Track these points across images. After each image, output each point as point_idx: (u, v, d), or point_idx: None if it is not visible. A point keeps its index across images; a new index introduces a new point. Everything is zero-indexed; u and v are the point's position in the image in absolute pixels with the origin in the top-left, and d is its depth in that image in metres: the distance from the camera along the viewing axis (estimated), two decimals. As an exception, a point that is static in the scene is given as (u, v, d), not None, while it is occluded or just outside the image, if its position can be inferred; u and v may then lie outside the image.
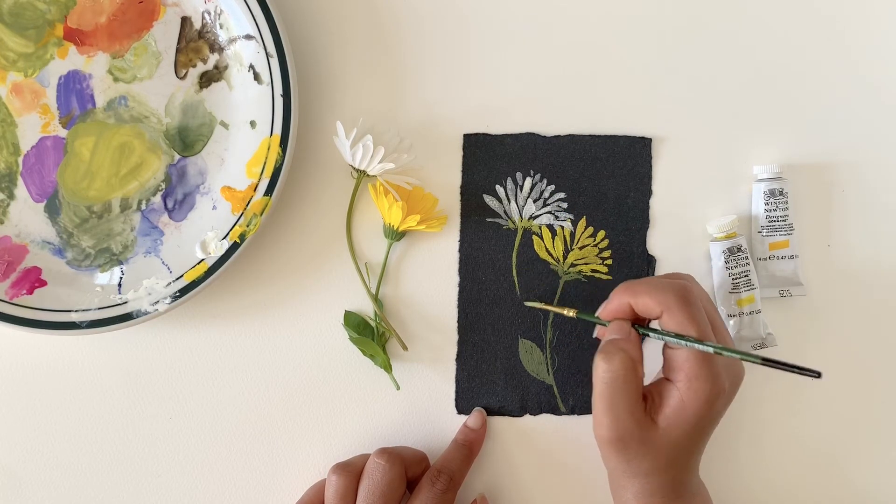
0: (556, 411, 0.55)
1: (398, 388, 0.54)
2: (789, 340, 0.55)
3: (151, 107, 0.53)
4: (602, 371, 0.45)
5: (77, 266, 0.52)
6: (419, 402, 0.54)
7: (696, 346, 0.44)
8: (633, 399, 0.45)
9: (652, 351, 0.50)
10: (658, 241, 0.55)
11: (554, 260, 0.55)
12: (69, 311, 0.51)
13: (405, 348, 0.54)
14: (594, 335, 0.52)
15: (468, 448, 0.52)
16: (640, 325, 0.47)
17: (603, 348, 0.46)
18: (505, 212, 0.55)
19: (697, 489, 0.48)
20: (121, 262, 0.52)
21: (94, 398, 0.54)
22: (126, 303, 0.51)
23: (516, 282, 0.54)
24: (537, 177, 0.55)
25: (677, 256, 0.55)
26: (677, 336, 0.44)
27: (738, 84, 0.55)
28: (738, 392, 0.54)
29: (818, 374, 0.41)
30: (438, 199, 0.54)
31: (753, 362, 0.43)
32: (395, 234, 0.53)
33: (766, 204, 0.53)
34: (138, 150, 0.53)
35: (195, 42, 0.53)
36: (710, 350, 0.44)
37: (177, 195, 0.53)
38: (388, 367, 0.54)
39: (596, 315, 0.49)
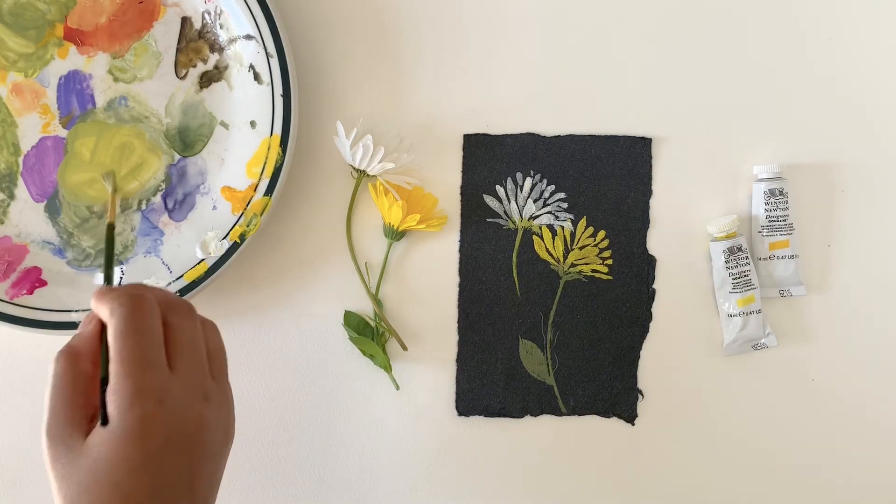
0: (556, 412, 0.54)
1: (398, 388, 0.54)
2: (789, 340, 0.55)
3: (151, 107, 0.53)
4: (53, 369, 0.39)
5: (77, 266, 0.52)
6: (419, 402, 0.54)
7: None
8: (70, 394, 0.38)
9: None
10: (658, 241, 0.55)
11: (554, 260, 0.54)
12: (69, 311, 0.51)
13: (405, 348, 0.54)
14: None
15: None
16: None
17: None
18: (505, 212, 0.55)
19: None
20: (121, 262, 0.52)
21: (94, 398, 0.54)
22: (126, 303, 0.51)
23: (516, 282, 0.54)
24: (537, 177, 0.55)
25: (677, 256, 0.55)
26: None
27: (738, 84, 0.55)
28: (733, 393, 0.54)
29: None
30: (438, 199, 0.54)
31: None
32: (395, 234, 0.53)
33: (766, 204, 0.53)
34: (138, 150, 0.53)
35: (195, 42, 0.53)
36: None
37: (177, 195, 0.53)
38: (387, 367, 0.53)
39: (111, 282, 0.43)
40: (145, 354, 0.38)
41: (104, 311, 0.39)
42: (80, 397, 0.39)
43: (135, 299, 0.39)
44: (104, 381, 0.39)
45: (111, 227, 0.43)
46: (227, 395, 0.42)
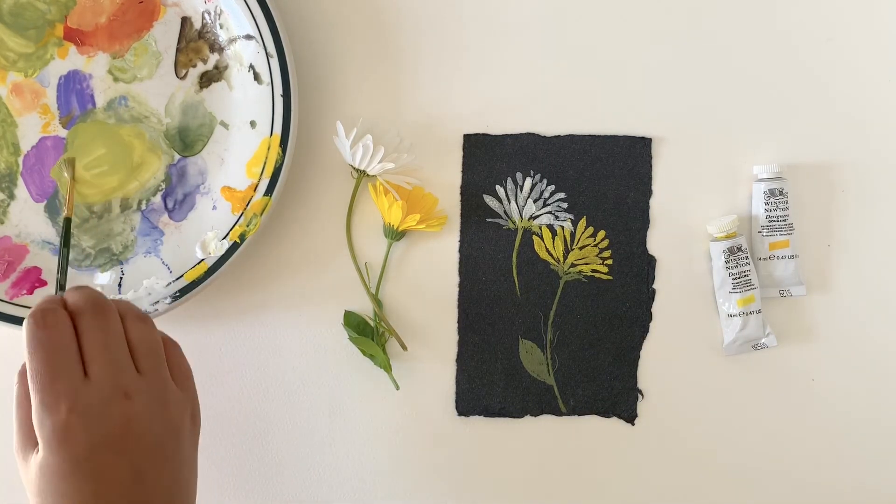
0: (556, 412, 0.54)
1: (398, 388, 0.54)
2: (789, 340, 0.55)
3: (151, 107, 0.53)
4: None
5: (77, 266, 0.52)
6: (419, 403, 0.54)
7: None
8: (24, 413, 0.40)
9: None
10: (658, 241, 0.55)
11: (554, 260, 0.55)
12: (69, 311, 0.51)
13: (405, 348, 0.54)
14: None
15: None
16: None
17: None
18: (505, 212, 0.55)
19: None
20: (121, 262, 0.52)
21: (94, 398, 0.54)
22: (126, 303, 0.51)
23: (516, 282, 0.54)
24: (537, 177, 0.55)
25: (677, 256, 0.55)
26: None
27: (738, 84, 0.55)
28: (733, 393, 0.54)
29: None
30: (438, 199, 0.54)
31: None
32: (395, 234, 0.53)
33: (766, 204, 0.53)
34: (138, 150, 0.53)
35: (195, 42, 0.53)
36: None
37: (177, 195, 0.53)
38: (387, 367, 0.53)
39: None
40: (52, 368, 0.39)
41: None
42: (30, 415, 0.40)
43: (35, 317, 0.40)
44: None
45: (67, 222, 0.42)
46: (159, 386, 0.42)
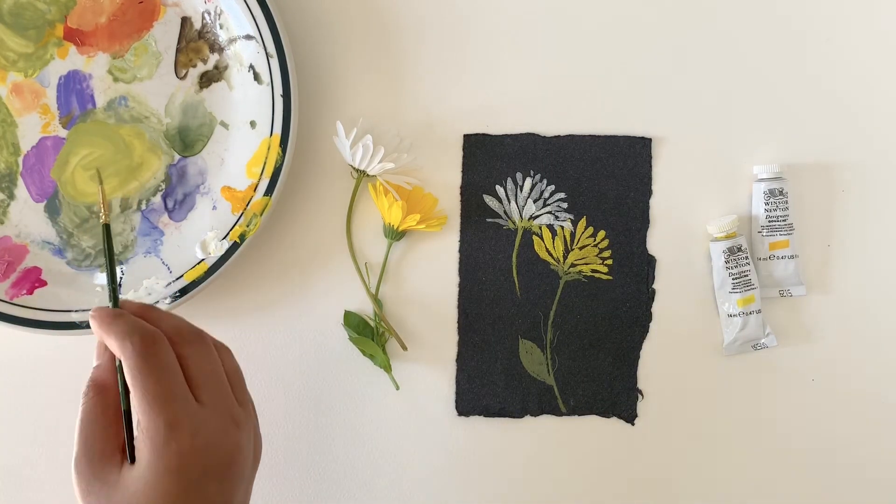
0: (556, 412, 0.54)
1: (398, 388, 0.54)
2: (789, 340, 0.55)
3: (151, 107, 0.53)
4: (82, 402, 0.40)
5: (77, 266, 0.52)
6: (419, 403, 0.54)
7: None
8: (98, 426, 0.39)
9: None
10: (658, 241, 0.55)
11: (554, 260, 0.54)
12: (69, 311, 0.51)
13: (405, 348, 0.54)
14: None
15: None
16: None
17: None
18: (505, 212, 0.55)
19: None
20: (121, 262, 0.52)
21: (94, 398, 0.54)
22: (126, 303, 0.51)
23: (516, 282, 0.54)
24: (537, 177, 0.55)
25: (677, 256, 0.55)
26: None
27: (738, 84, 0.55)
28: (733, 393, 0.54)
29: None
30: (438, 199, 0.54)
31: None
32: (395, 234, 0.53)
33: (766, 204, 0.53)
34: (138, 150, 0.53)
35: (195, 42, 0.53)
36: None
37: (177, 195, 0.53)
38: (387, 367, 0.53)
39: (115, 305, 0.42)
40: (170, 390, 0.38)
41: (113, 345, 0.39)
42: (111, 429, 0.39)
43: (145, 338, 0.39)
44: (126, 415, 0.39)
45: (107, 228, 0.42)
46: (252, 417, 0.43)
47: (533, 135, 0.55)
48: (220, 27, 0.52)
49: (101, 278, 0.52)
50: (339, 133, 0.52)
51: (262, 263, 0.54)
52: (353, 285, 0.54)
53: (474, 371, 0.54)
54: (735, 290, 0.53)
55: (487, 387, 0.54)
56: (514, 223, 0.55)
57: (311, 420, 0.54)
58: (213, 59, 0.53)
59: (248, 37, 0.51)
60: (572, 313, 0.54)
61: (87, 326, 0.50)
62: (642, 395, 0.55)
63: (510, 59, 0.55)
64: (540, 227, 0.54)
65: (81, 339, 0.54)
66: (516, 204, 0.55)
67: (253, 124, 0.52)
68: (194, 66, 0.53)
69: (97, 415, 0.40)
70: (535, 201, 0.54)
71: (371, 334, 0.54)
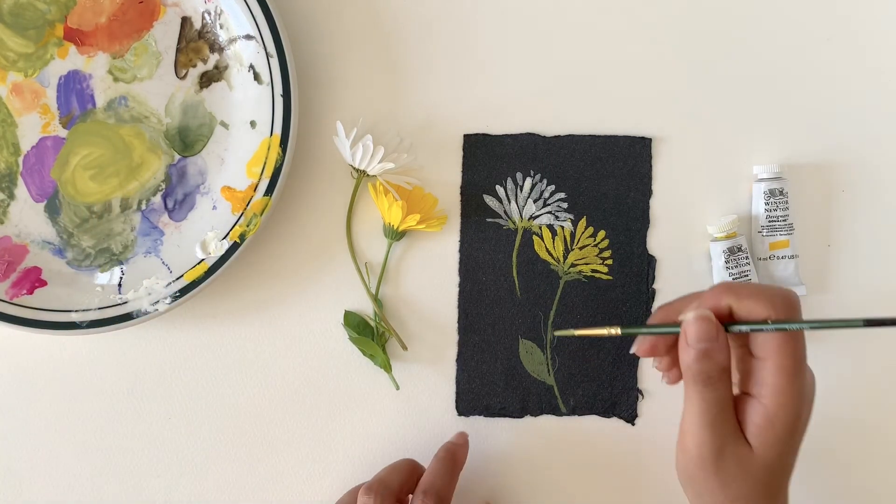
0: (556, 412, 0.54)
1: (398, 388, 0.54)
2: (789, 340, 0.55)
3: (151, 107, 0.53)
4: (703, 391, 0.41)
5: (77, 266, 0.52)
6: (419, 403, 0.54)
7: (796, 326, 0.40)
8: (732, 413, 0.41)
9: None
10: (658, 241, 0.55)
11: (554, 260, 0.55)
12: (69, 311, 0.51)
13: (405, 348, 0.54)
14: (635, 351, 0.45)
15: (452, 460, 0.50)
16: (729, 322, 0.42)
17: (700, 366, 0.41)
18: (505, 212, 0.55)
19: None
20: (121, 262, 0.52)
21: (94, 398, 0.54)
22: (126, 303, 0.51)
23: (516, 282, 0.54)
24: (537, 177, 0.55)
25: (677, 256, 0.55)
26: (776, 323, 0.40)
27: (738, 84, 0.55)
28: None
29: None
30: (438, 199, 0.54)
31: (856, 326, 0.41)
32: (395, 234, 0.53)
33: (766, 204, 0.53)
34: (138, 150, 0.53)
35: (195, 42, 0.53)
36: (812, 328, 0.40)
37: (177, 195, 0.53)
38: (387, 367, 0.54)
39: (654, 323, 0.44)
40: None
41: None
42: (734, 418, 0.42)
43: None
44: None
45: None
46: None
47: (533, 135, 0.55)
48: (220, 27, 0.52)
49: (101, 278, 0.52)
50: (339, 133, 0.52)
51: (262, 263, 0.54)
52: (353, 285, 0.54)
53: (474, 371, 0.54)
54: (735, 290, 0.53)
55: (487, 387, 0.54)
56: (514, 223, 0.55)
57: (311, 420, 0.54)
58: (213, 59, 0.53)
59: (248, 37, 0.51)
60: (572, 313, 0.54)
61: (87, 326, 0.50)
62: (642, 395, 0.55)
63: (510, 59, 0.55)
64: (540, 227, 0.55)
65: (81, 339, 0.54)
66: (516, 204, 0.55)
67: (253, 124, 0.52)
68: (194, 66, 0.53)
69: (728, 398, 0.41)
70: (535, 201, 0.55)
71: (371, 334, 0.54)
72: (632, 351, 0.45)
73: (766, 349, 0.41)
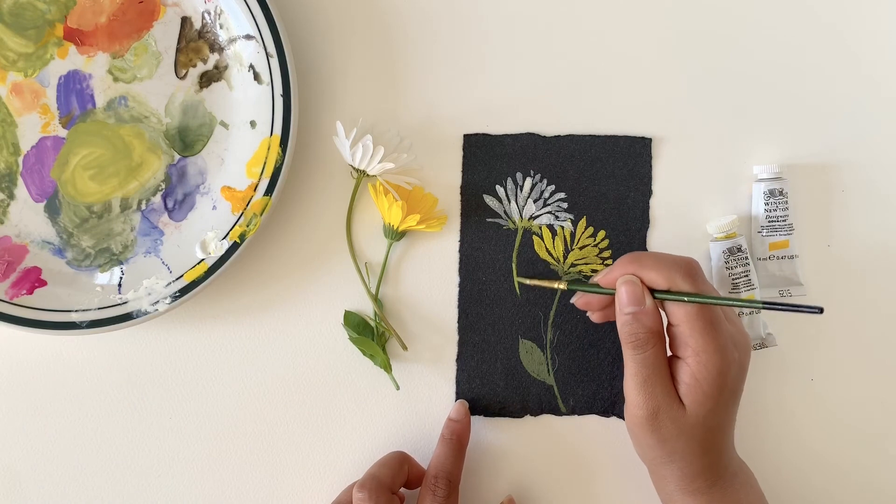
0: (556, 412, 0.54)
1: (398, 388, 0.54)
2: (789, 340, 0.55)
3: (151, 107, 0.53)
4: (633, 353, 0.45)
5: (77, 266, 0.52)
6: (419, 403, 0.54)
7: (706, 300, 0.43)
8: (664, 375, 0.45)
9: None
10: (658, 241, 0.55)
11: (554, 260, 0.55)
12: (69, 311, 0.51)
13: (405, 348, 0.54)
14: (574, 301, 0.50)
15: (457, 441, 0.51)
16: (654, 289, 0.46)
17: (630, 329, 0.45)
18: (505, 212, 0.55)
19: (738, 467, 0.48)
20: (121, 262, 0.52)
21: (94, 398, 0.54)
22: (126, 303, 0.51)
23: (516, 282, 0.54)
24: (537, 177, 0.55)
25: (677, 256, 0.55)
26: (689, 295, 0.44)
27: (738, 84, 0.55)
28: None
29: (820, 310, 0.40)
30: (438, 199, 0.54)
31: (756, 307, 0.44)
32: (395, 234, 0.53)
33: (766, 204, 0.53)
34: (138, 150, 0.53)
35: (195, 42, 0.53)
36: (721, 303, 0.44)
37: (177, 195, 0.53)
38: (387, 367, 0.54)
39: (593, 282, 0.48)
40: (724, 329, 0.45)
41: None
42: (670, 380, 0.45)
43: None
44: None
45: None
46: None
47: (533, 135, 0.55)
48: (220, 27, 0.52)
49: (101, 278, 0.52)
50: (339, 133, 0.52)
51: (262, 263, 0.54)
52: (353, 285, 0.54)
53: (474, 371, 0.54)
54: (735, 291, 0.53)
55: (487, 387, 0.54)
56: (514, 223, 0.55)
57: (311, 420, 0.54)
58: (213, 58, 0.53)
59: (248, 37, 0.51)
60: (572, 313, 0.54)
61: (87, 326, 0.50)
62: (642, 395, 0.55)
63: (510, 59, 0.55)
64: (540, 227, 0.55)
65: (81, 339, 0.54)
66: (516, 204, 0.55)
67: (253, 124, 0.52)
68: (194, 65, 0.53)
69: (659, 361, 0.45)
70: (535, 201, 0.55)
71: (371, 334, 0.54)
72: (571, 300, 0.50)
73: (677, 316, 0.44)
